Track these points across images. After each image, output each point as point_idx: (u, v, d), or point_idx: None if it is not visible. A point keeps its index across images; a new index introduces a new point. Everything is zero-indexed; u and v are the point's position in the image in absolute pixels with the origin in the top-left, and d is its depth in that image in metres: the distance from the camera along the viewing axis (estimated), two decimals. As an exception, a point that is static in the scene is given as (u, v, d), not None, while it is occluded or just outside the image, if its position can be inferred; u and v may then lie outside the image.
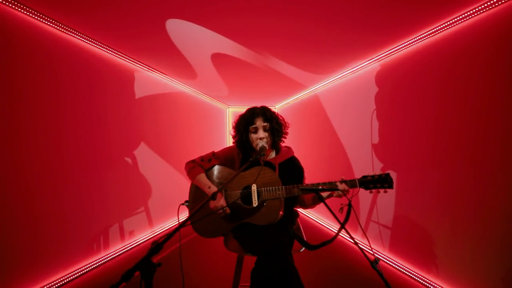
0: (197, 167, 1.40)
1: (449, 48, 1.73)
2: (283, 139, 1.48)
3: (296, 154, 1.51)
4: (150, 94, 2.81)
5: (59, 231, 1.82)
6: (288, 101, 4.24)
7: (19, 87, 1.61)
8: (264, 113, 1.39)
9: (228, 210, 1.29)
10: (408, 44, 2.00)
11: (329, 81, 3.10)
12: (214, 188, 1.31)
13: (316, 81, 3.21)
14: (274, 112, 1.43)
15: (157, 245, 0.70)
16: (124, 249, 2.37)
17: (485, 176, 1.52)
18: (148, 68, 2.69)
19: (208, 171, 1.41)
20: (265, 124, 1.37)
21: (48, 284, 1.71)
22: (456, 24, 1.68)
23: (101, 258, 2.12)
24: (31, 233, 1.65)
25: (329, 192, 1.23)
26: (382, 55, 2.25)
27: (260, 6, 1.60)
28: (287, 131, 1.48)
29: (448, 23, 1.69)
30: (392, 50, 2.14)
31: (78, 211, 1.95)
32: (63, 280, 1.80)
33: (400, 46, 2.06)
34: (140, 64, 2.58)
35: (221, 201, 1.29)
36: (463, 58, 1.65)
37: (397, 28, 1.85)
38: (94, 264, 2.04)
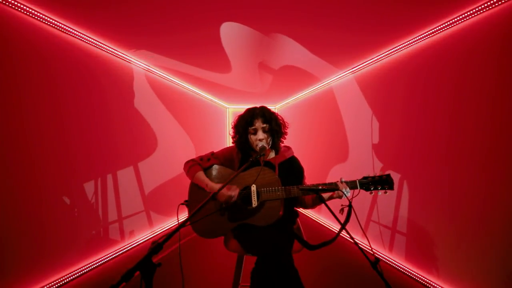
0: (196, 165, 1.40)
1: (450, 48, 1.73)
2: (283, 139, 1.48)
3: (296, 154, 1.51)
4: (150, 94, 2.81)
5: (59, 231, 1.81)
6: (288, 101, 4.24)
7: (19, 87, 1.61)
8: (264, 114, 1.38)
9: (236, 194, 1.25)
10: (409, 44, 2.00)
11: (329, 81, 3.10)
12: (211, 185, 1.31)
13: (316, 81, 3.21)
14: (273, 113, 1.42)
15: (157, 245, 0.70)
16: (124, 249, 2.37)
17: (486, 176, 1.52)
18: (148, 68, 2.69)
19: (207, 171, 1.41)
20: (264, 125, 1.36)
21: (48, 284, 1.71)
22: (458, 24, 1.68)
23: (101, 258, 2.12)
24: (31, 233, 1.65)
25: (330, 194, 1.23)
26: (382, 55, 2.25)
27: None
28: (286, 131, 1.48)
29: (451, 21, 1.69)
30: (392, 50, 2.14)
31: (78, 211, 1.95)
32: (63, 280, 1.80)
33: (400, 46, 2.06)
34: (140, 64, 2.58)
35: (230, 191, 1.24)
36: (464, 58, 1.65)
37: (397, 28, 1.85)
38: (94, 264, 2.04)
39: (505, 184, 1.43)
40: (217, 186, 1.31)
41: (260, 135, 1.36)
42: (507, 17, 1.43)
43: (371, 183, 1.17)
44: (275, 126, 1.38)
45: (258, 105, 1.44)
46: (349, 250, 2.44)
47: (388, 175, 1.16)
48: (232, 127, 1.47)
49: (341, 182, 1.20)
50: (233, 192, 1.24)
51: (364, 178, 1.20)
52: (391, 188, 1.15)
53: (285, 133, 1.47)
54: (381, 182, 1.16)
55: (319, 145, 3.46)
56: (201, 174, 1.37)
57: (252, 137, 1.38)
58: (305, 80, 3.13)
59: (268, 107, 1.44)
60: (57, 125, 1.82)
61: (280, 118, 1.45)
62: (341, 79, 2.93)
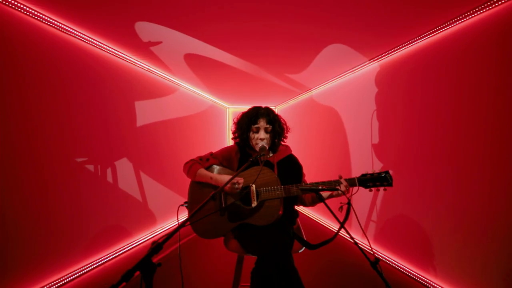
0: (196, 164, 1.40)
1: (450, 47, 1.73)
2: (282, 142, 1.49)
3: (296, 154, 1.52)
4: (150, 94, 2.81)
5: (59, 231, 1.81)
6: (288, 101, 4.24)
7: (19, 87, 1.61)
8: (268, 114, 1.40)
9: (241, 181, 1.26)
10: (408, 44, 2.00)
11: (329, 81, 3.10)
12: (216, 177, 1.31)
13: (316, 81, 3.20)
14: (277, 115, 1.44)
15: (157, 245, 0.70)
16: (124, 249, 2.37)
17: (486, 176, 1.52)
18: (148, 69, 2.69)
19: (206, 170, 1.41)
20: (268, 126, 1.38)
21: (48, 284, 1.71)
22: (456, 24, 1.67)
23: (101, 258, 2.12)
24: (31, 233, 1.65)
25: (330, 192, 1.23)
26: (382, 55, 2.25)
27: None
28: (286, 135, 1.49)
29: (448, 22, 1.69)
30: (392, 50, 2.14)
31: (78, 211, 1.95)
32: (63, 280, 1.80)
33: (400, 46, 2.06)
34: (140, 65, 2.58)
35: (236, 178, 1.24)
36: (463, 58, 1.65)
37: (397, 28, 1.85)
38: (94, 264, 2.04)
39: (503, 183, 1.43)
40: (221, 177, 1.31)
41: (262, 134, 1.36)
42: (498, 21, 1.43)
43: (369, 180, 1.17)
44: (277, 128, 1.40)
45: (262, 105, 1.46)
46: (349, 250, 2.44)
47: (387, 172, 1.16)
48: (234, 123, 1.48)
49: (340, 179, 1.20)
50: (239, 179, 1.26)
51: (363, 175, 1.20)
52: (390, 185, 1.15)
53: (285, 137, 1.49)
54: (380, 179, 1.16)
55: (319, 144, 3.46)
56: (203, 170, 1.37)
57: (254, 135, 1.38)
58: (304, 82, 3.13)
59: (272, 109, 1.45)
60: (62, 124, 1.82)
61: (283, 121, 1.47)
62: (341, 79, 2.93)
